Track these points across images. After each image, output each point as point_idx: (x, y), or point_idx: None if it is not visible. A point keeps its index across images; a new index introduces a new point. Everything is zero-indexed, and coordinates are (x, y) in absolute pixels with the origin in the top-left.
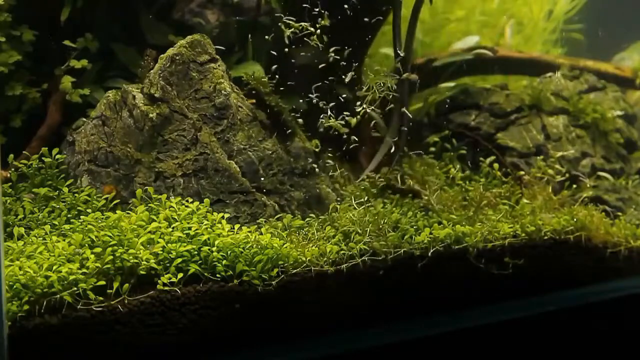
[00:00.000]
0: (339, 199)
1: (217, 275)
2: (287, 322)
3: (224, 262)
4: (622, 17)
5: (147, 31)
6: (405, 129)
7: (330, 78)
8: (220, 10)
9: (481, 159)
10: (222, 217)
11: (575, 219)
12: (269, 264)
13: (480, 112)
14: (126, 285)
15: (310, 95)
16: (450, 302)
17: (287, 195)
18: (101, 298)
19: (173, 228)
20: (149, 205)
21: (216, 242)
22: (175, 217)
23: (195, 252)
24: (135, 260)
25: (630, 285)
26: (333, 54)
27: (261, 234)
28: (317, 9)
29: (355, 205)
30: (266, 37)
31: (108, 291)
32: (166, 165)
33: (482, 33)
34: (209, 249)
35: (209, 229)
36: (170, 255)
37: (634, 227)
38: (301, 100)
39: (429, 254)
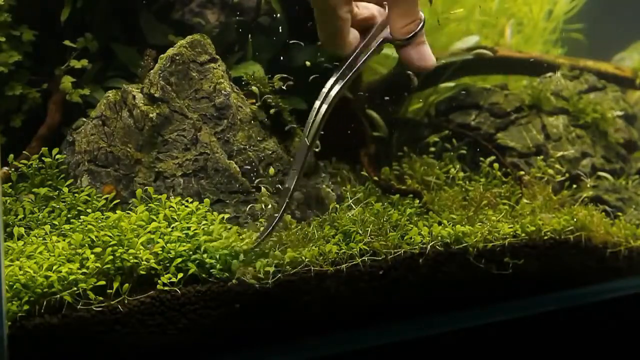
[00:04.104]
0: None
1: (212, 279)
2: (286, 321)
3: (218, 265)
4: (622, 17)
5: (147, 31)
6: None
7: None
8: (220, 10)
9: (481, 159)
10: (223, 218)
11: (575, 219)
12: (267, 264)
13: (480, 112)
14: (126, 285)
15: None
16: (450, 302)
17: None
18: (101, 298)
19: (173, 228)
20: (149, 205)
21: (206, 247)
22: (175, 217)
23: (192, 253)
24: (135, 260)
25: (630, 285)
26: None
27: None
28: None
29: (352, 205)
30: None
31: (108, 291)
32: (166, 165)
33: (482, 33)
34: (201, 255)
35: (204, 230)
36: (169, 255)
37: (634, 227)
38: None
39: (429, 253)
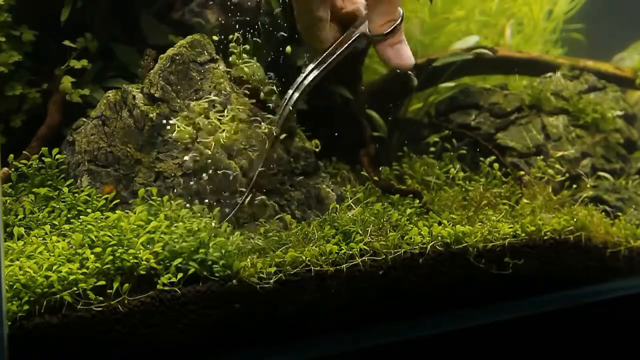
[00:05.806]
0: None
1: (216, 276)
2: (286, 321)
3: (222, 262)
4: (622, 17)
5: (147, 31)
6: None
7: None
8: (220, 10)
9: (481, 159)
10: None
11: (575, 219)
12: (267, 264)
13: (480, 112)
14: (126, 285)
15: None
16: (450, 302)
17: (287, 195)
18: (101, 298)
19: (173, 228)
20: (149, 204)
21: (211, 243)
22: (176, 217)
23: (192, 252)
24: (135, 260)
25: (630, 285)
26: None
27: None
28: None
29: (352, 205)
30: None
31: (108, 291)
32: (166, 165)
33: (482, 33)
34: (205, 251)
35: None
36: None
37: (634, 227)
38: None
39: (429, 253)
